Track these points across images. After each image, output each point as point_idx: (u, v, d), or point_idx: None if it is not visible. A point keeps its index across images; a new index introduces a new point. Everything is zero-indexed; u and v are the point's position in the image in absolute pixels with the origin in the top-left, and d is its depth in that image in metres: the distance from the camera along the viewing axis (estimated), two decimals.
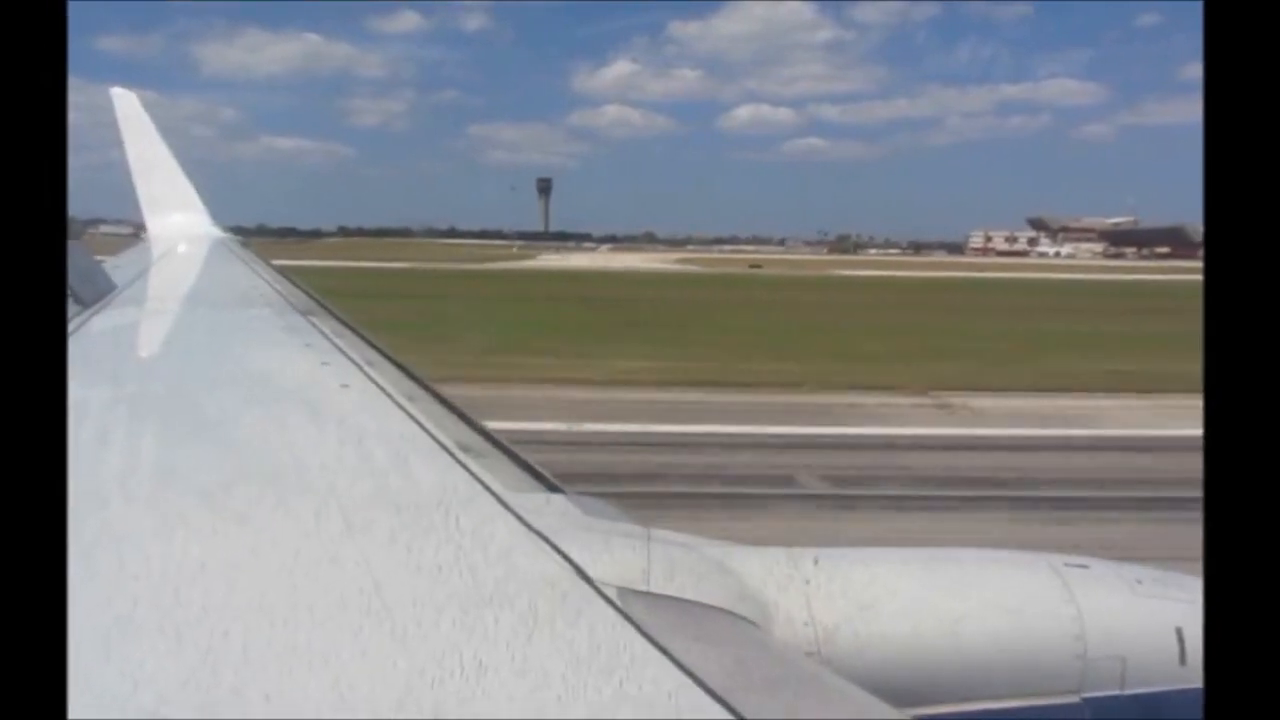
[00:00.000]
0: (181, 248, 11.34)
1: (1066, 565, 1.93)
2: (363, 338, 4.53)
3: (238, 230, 18.95)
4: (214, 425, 2.61)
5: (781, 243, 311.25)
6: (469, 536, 1.66)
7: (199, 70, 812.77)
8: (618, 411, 19.47)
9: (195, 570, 1.48)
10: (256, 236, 68.12)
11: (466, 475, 2.06)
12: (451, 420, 2.72)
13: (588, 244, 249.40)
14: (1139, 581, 1.93)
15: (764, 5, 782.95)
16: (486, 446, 2.41)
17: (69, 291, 4.41)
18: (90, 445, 2.23)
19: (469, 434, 2.55)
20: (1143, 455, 17.05)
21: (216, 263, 10.25)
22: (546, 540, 1.61)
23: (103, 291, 5.74)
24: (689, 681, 1.18)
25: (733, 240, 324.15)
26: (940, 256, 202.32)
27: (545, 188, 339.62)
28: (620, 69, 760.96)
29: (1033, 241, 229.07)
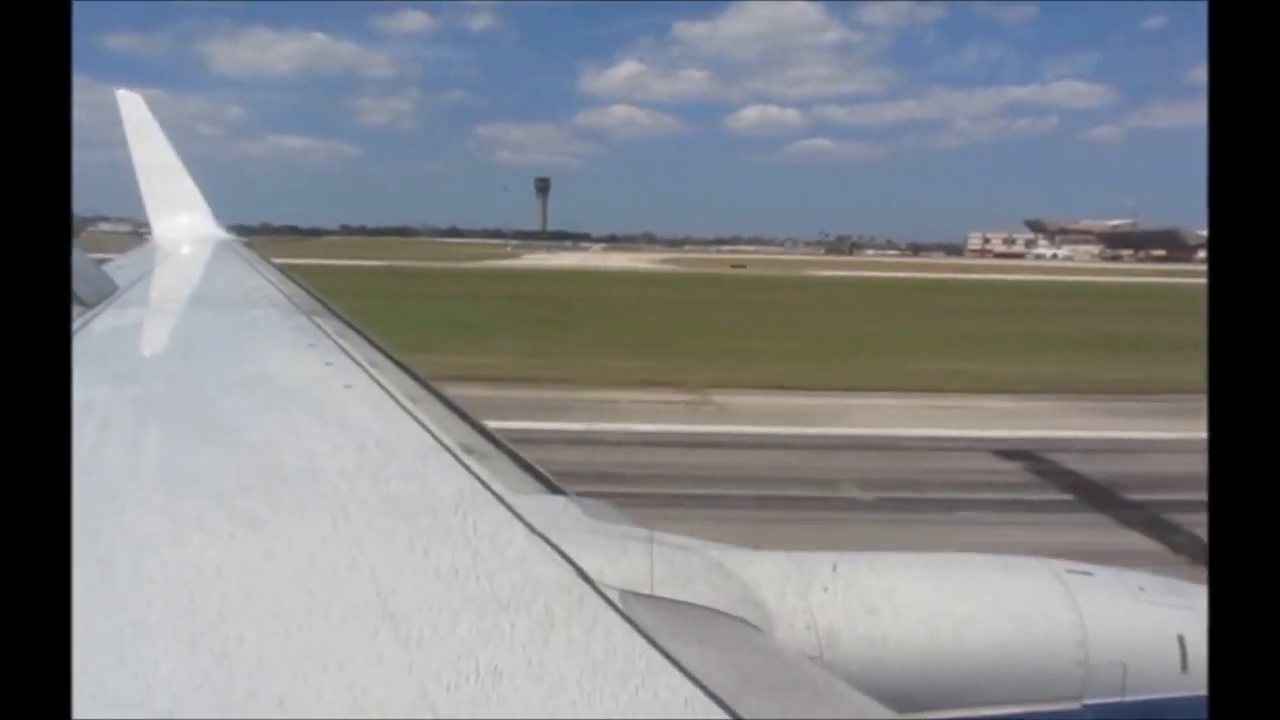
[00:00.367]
0: (185, 249, 11.36)
1: (1069, 571, 1.93)
2: (366, 338, 4.54)
3: (241, 229, 18.79)
4: (219, 427, 2.61)
5: (782, 244, 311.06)
6: (478, 540, 1.66)
7: (205, 69, 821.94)
8: None
9: (209, 573, 1.48)
10: (259, 235, 67.84)
11: (471, 477, 2.06)
12: (454, 421, 2.75)
13: (585, 244, 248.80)
14: (1141, 588, 1.93)
15: (771, 6, 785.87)
16: (489, 448, 2.44)
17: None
18: (98, 447, 2.24)
19: (471, 435, 2.58)
20: (838, 454, 16.43)
21: (219, 264, 10.25)
22: (554, 546, 1.62)
23: (105, 292, 5.71)
24: (693, 687, 1.19)
25: (733, 241, 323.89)
26: (938, 258, 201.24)
27: (543, 187, 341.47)
28: (627, 69, 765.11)
29: (1030, 243, 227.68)
